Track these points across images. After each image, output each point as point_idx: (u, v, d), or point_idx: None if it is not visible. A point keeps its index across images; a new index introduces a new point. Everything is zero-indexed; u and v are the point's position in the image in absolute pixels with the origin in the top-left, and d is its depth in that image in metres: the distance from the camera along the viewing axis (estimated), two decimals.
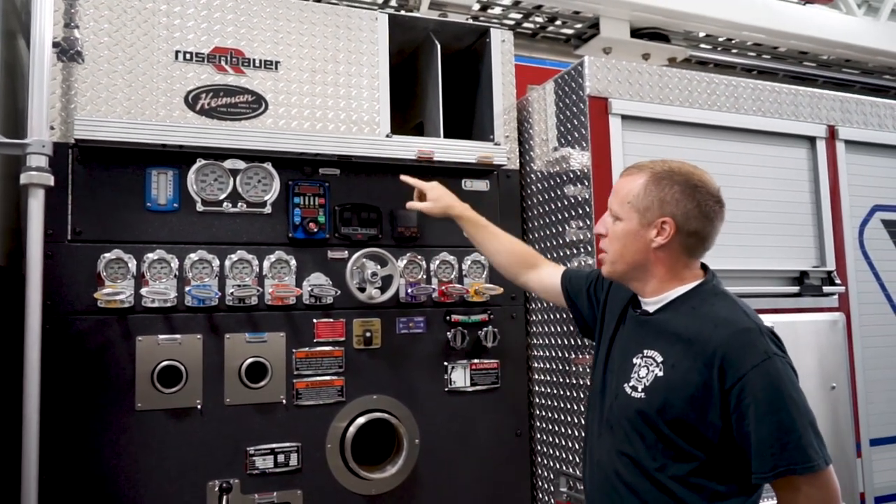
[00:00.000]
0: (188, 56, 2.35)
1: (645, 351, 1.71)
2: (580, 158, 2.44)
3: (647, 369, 1.68)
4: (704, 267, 1.80)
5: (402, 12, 3.15)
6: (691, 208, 1.68)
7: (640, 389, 1.67)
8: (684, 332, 1.65)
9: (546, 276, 2.23)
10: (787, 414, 1.51)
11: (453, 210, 2.30)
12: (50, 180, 1.99)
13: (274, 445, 2.33)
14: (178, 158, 2.31)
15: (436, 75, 2.67)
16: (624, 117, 2.44)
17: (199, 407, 2.25)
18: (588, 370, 2.33)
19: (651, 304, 1.77)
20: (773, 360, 1.54)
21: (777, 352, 1.57)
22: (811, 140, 2.79)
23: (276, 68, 2.45)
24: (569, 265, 2.47)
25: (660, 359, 1.67)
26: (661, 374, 1.65)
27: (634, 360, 1.73)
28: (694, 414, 1.58)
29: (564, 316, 2.51)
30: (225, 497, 2.23)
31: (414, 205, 2.35)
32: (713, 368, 1.56)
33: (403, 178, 2.40)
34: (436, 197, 2.31)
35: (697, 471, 1.60)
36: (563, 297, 2.15)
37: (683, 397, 1.59)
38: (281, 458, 2.33)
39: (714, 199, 1.70)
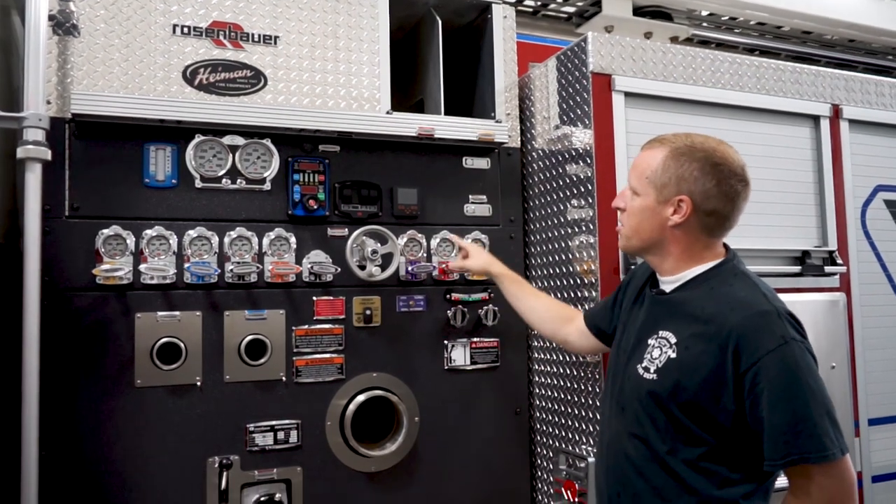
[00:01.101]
0: (186, 30, 2.31)
1: (659, 331, 1.68)
2: (582, 136, 2.42)
3: (660, 350, 1.65)
4: (726, 246, 1.75)
5: None
6: (710, 187, 1.63)
7: (652, 371, 1.64)
8: (700, 313, 1.61)
9: (581, 326, 2.17)
10: (802, 401, 1.47)
11: (493, 268, 2.39)
12: (47, 154, 1.97)
13: (274, 422, 2.32)
14: (177, 134, 2.29)
15: (437, 51, 2.64)
16: (627, 94, 2.42)
17: (198, 384, 2.25)
18: None
19: (668, 283, 1.74)
20: (790, 344, 1.50)
21: (795, 336, 1.53)
22: (815, 119, 2.77)
23: (276, 43, 2.42)
24: (572, 243, 2.46)
25: (673, 340, 1.63)
26: (673, 355, 1.61)
27: (649, 341, 1.69)
28: (706, 397, 1.55)
29: (565, 295, 2.50)
30: (225, 473, 2.23)
31: (456, 264, 2.47)
32: (727, 352, 1.53)
33: (452, 237, 2.55)
34: (475, 254, 2.43)
35: (708, 455, 1.57)
36: (592, 336, 2.10)
37: (696, 380, 1.56)
38: (281, 435, 2.33)
39: (737, 178, 1.65)
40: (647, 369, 1.66)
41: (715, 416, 1.55)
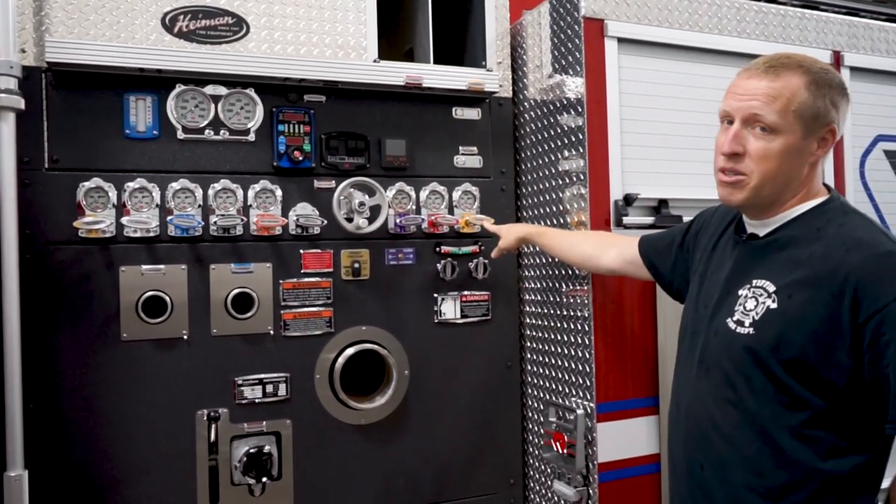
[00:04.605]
0: None
1: (754, 281, 1.47)
2: (574, 85, 2.35)
3: (755, 301, 1.44)
4: (826, 186, 1.55)
5: None
6: (846, 111, 1.46)
7: (747, 324, 1.44)
8: (806, 257, 1.40)
9: (626, 250, 2.04)
10: None
11: (522, 234, 2.40)
12: (20, 103, 1.92)
13: (262, 376, 2.32)
14: (157, 83, 2.23)
15: None
16: (620, 40, 2.34)
17: (185, 337, 2.24)
18: (584, 302, 2.30)
19: (761, 226, 1.52)
20: None
21: None
22: None
23: None
24: (563, 195, 2.42)
25: (772, 288, 1.42)
26: (774, 305, 1.41)
27: (740, 292, 1.49)
28: (816, 353, 1.35)
29: None
30: (213, 426, 2.24)
31: (496, 252, 2.48)
32: (844, 298, 1.32)
33: (486, 225, 2.55)
34: (506, 233, 2.42)
35: (813, 421, 1.37)
36: (644, 267, 1.97)
37: (804, 333, 1.36)
38: (269, 388, 2.33)
39: (847, 99, 1.48)
40: (740, 323, 1.46)
41: (825, 375, 1.35)
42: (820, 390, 1.37)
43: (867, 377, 1.33)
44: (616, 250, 2.08)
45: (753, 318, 1.44)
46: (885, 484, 1.44)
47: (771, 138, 1.43)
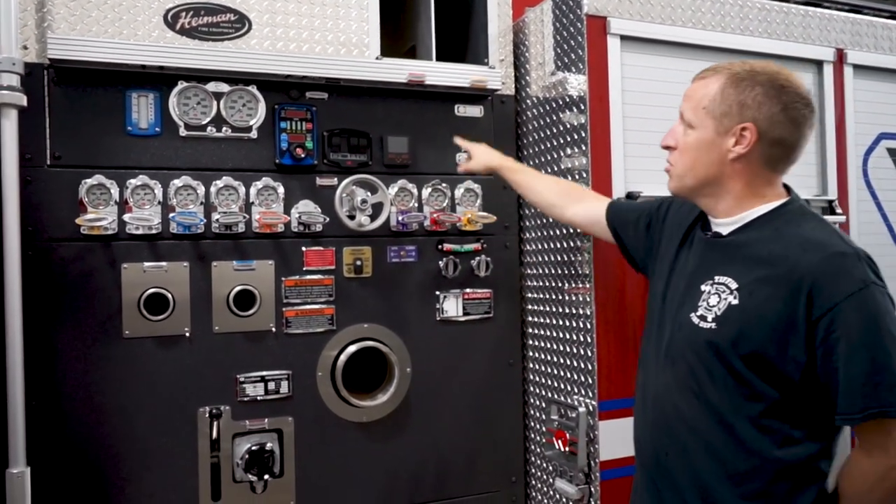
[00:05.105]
0: None
1: (716, 277, 1.55)
2: (576, 82, 2.35)
3: (718, 297, 1.52)
4: (787, 187, 1.62)
5: None
6: (776, 112, 1.49)
7: (710, 319, 1.52)
8: (766, 256, 1.48)
9: (592, 209, 2.10)
10: (882, 350, 1.36)
11: (493, 162, 2.36)
12: (22, 100, 1.91)
13: (264, 373, 2.32)
14: (159, 80, 2.23)
15: None
16: (623, 38, 2.33)
17: (187, 334, 2.23)
18: (586, 300, 2.30)
19: (725, 224, 1.60)
20: (870, 289, 1.38)
21: (876, 280, 1.41)
22: (818, 64, 2.68)
23: None
24: None
25: (734, 285, 1.50)
26: (735, 302, 1.49)
27: (703, 287, 1.57)
28: (773, 347, 1.43)
29: (559, 245, 2.47)
30: (215, 423, 2.24)
31: (462, 166, 2.45)
32: (800, 296, 1.40)
33: (457, 139, 2.47)
34: (477, 154, 2.39)
35: (770, 411, 1.46)
36: (608, 231, 2.04)
37: (762, 328, 1.44)
38: (271, 385, 2.33)
39: (803, 103, 1.52)
40: (703, 318, 1.53)
41: (781, 369, 1.43)
42: (776, 383, 1.45)
43: (819, 371, 1.41)
44: (582, 206, 2.15)
45: (716, 313, 1.52)
46: (832, 472, 1.51)
47: (689, 133, 1.60)
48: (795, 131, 1.53)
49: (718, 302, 1.52)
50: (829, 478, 1.51)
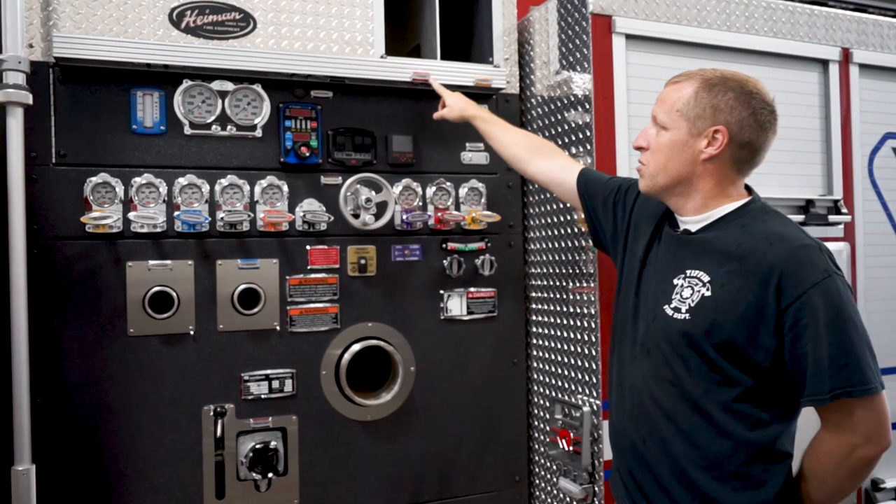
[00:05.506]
0: None
1: (688, 271, 1.63)
2: (581, 81, 2.35)
3: (691, 289, 1.60)
4: (748, 188, 1.72)
5: None
6: (746, 116, 1.59)
7: (683, 311, 1.60)
8: (735, 251, 1.56)
9: (558, 168, 2.15)
10: (846, 335, 1.45)
11: (467, 112, 2.37)
12: (28, 98, 1.92)
13: (268, 371, 2.32)
14: (164, 79, 2.23)
15: None
16: (628, 37, 2.33)
17: (191, 333, 2.24)
18: (590, 299, 2.30)
19: (693, 222, 1.69)
20: (833, 278, 1.48)
21: (836, 270, 1.51)
22: (824, 63, 2.67)
23: None
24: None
25: (707, 278, 1.59)
26: (708, 293, 1.57)
27: (675, 281, 1.65)
28: (744, 336, 1.52)
29: (563, 244, 2.47)
30: (220, 421, 2.24)
31: (436, 114, 2.45)
32: (769, 286, 1.49)
33: (432, 82, 2.46)
34: (452, 103, 2.39)
35: (742, 397, 1.54)
36: (576, 196, 2.08)
37: (733, 318, 1.52)
38: (276, 383, 2.33)
39: (768, 109, 1.61)
40: (677, 309, 1.61)
41: (751, 356, 1.52)
42: (747, 369, 1.54)
43: (787, 357, 1.50)
44: (549, 163, 2.19)
45: (689, 304, 1.59)
46: (794, 449, 1.60)
47: (662, 134, 1.67)
48: (762, 135, 1.62)
49: (692, 294, 1.60)
50: (794, 459, 1.60)
